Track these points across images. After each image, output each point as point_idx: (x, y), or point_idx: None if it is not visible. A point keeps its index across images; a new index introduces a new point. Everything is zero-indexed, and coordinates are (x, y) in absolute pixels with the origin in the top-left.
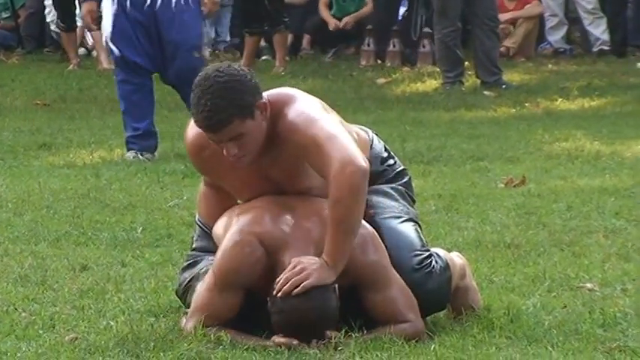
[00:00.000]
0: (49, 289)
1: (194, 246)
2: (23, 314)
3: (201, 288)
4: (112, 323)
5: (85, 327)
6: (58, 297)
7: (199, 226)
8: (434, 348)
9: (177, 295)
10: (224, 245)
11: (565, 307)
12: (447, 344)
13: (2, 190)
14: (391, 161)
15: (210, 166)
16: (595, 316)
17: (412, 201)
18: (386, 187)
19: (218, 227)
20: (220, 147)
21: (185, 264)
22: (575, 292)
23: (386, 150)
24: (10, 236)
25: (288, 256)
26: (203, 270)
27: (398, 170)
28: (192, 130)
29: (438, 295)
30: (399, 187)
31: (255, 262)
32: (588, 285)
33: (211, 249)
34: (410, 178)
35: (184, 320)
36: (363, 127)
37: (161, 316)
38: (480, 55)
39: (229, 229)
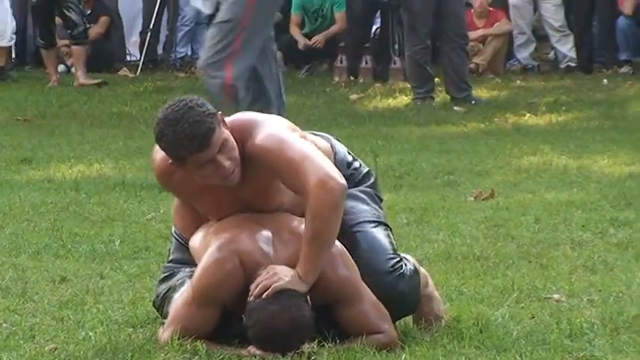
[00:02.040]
0: (29, 300)
1: (170, 258)
2: (4, 325)
3: (179, 300)
4: (90, 334)
5: (65, 337)
6: (38, 308)
7: (175, 238)
8: (404, 358)
9: (154, 307)
10: (204, 262)
11: (533, 317)
12: (417, 354)
13: None
14: (356, 164)
15: (182, 189)
16: (562, 326)
17: (380, 200)
18: (355, 191)
19: (194, 241)
20: (202, 173)
21: (162, 276)
22: (543, 303)
23: (349, 153)
24: None
25: None
26: (180, 281)
27: (364, 172)
28: (159, 156)
29: (409, 298)
30: (367, 189)
31: (234, 279)
32: (555, 296)
33: (187, 261)
34: (376, 179)
35: (161, 330)
36: (320, 133)
37: (139, 326)
38: (449, 71)
39: (206, 244)
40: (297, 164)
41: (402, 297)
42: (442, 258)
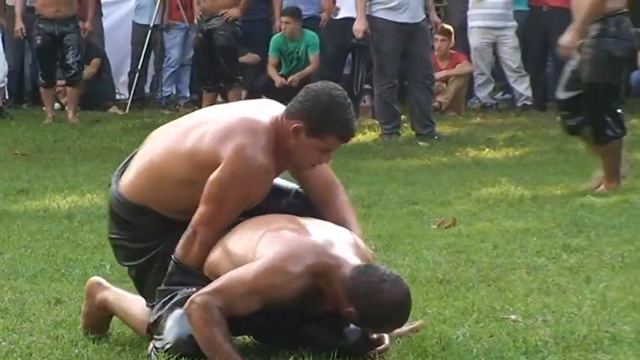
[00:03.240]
0: (26, 320)
1: (170, 280)
2: (3, 343)
3: (236, 276)
4: (83, 352)
5: (59, 355)
6: (34, 328)
7: (175, 262)
8: None
9: (148, 328)
10: (277, 260)
11: (491, 336)
12: None
13: None
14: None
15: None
16: (518, 344)
17: None
18: None
19: (234, 249)
20: (325, 156)
21: (164, 299)
22: (501, 323)
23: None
24: None
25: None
26: (178, 300)
27: None
28: (265, 155)
29: None
30: None
31: (296, 291)
32: (512, 316)
33: (188, 282)
34: None
35: (151, 345)
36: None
37: (127, 345)
38: (415, 109)
39: (265, 248)
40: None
41: None
42: (408, 281)
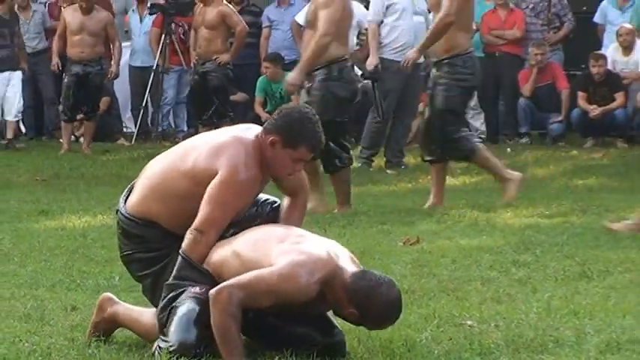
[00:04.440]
0: (46, 324)
1: (178, 275)
2: (26, 345)
3: (260, 275)
4: (95, 352)
5: (75, 355)
6: (53, 331)
7: (183, 257)
8: None
9: (158, 321)
10: (298, 271)
11: (451, 339)
12: None
13: (10, 246)
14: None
15: (251, 194)
16: (474, 346)
17: None
18: None
19: (246, 252)
20: (295, 164)
21: (172, 294)
22: (459, 328)
23: None
24: (16, 283)
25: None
26: (182, 299)
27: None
28: (254, 165)
29: None
30: None
31: (305, 298)
32: (469, 322)
33: (195, 278)
34: None
35: (156, 344)
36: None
37: (133, 346)
38: (392, 141)
39: (281, 252)
40: None
41: None
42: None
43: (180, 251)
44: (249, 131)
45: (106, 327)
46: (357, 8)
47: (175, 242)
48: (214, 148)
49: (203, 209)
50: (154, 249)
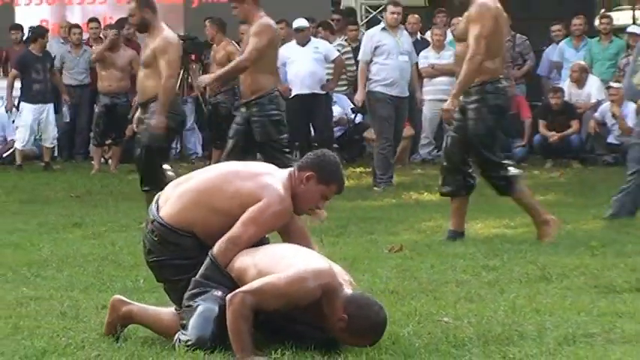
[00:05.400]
0: (80, 321)
1: (204, 273)
2: (63, 339)
3: (270, 282)
4: (123, 344)
5: (105, 347)
6: (86, 327)
7: (213, 262)
8: None
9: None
10: (301, 275)
11: (429, 333)
12: (348, 358)
13: (48, 254)
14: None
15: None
16: (450, 339)
17: None
18: None
19: (262, 262)
20: (319, 201)
21: (193, 291)
22: (436, 324)
23: None
24: (54, 285)
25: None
26: (203, 298)
27: None
28: (289, 199)
29: None
30: None
31: (310, 298)
32: (445, 319)
33: (218, 279)
34: None
35: (176, 336)
36: None
37: (157, 339)
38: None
39: (294, 263)
40: None
41: None
42: (367, 292)
43: (210, 254)
44: (281, 170)
45: (121, 324)
46: (324, 43)
47: (207, 252)
48: (258, 179)
49: (241, 226)
50: (189, 257)
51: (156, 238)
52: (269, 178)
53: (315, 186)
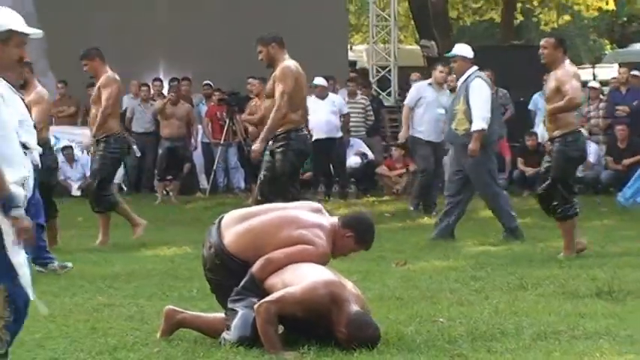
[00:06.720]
0: (145, 324)
1: (244, 285)
2: (130, 337)
3: (290, 292)
4: (180, 342)
5: (165, 344)
6: (150, 328)
7: (252, 277)
8: (356, 356)
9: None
10: (314, 285)
11: (428, 331)
12: (356, 353)
13: (119, 269)
14: None
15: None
16: (445, 336)
17: None
18: None
19: (288, 278)
20: (350, 250)
21: (234, 297)
22: (433, 324)
23: None
24: (124, 294)
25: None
26: (242, 304)
27: None
28: (329, 247)
29: None
30: None
31: (321, 306)
32: (441, 319)
33: (254, 290)
34: None
35: (222, 335)
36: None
37: (205, 338)
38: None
39: (309, 276)
40: None
41: None
42: (378, 299)
43: (250, 271)
44: (324, 216)
45: (174, 330)
46: (339, 99)
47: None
48: (314, 230)
49: (283, 254)
50: (241, 278)
51: (218, 262)
52: (320, 232)
53: (353, 244)
